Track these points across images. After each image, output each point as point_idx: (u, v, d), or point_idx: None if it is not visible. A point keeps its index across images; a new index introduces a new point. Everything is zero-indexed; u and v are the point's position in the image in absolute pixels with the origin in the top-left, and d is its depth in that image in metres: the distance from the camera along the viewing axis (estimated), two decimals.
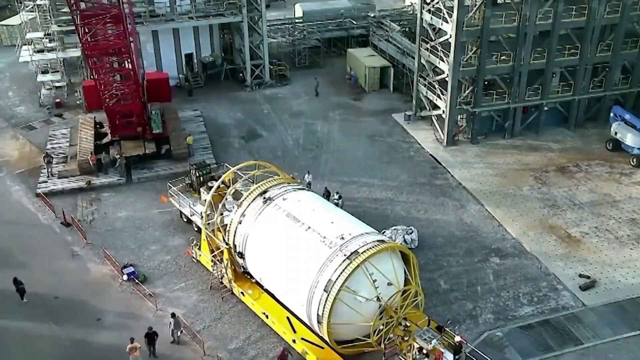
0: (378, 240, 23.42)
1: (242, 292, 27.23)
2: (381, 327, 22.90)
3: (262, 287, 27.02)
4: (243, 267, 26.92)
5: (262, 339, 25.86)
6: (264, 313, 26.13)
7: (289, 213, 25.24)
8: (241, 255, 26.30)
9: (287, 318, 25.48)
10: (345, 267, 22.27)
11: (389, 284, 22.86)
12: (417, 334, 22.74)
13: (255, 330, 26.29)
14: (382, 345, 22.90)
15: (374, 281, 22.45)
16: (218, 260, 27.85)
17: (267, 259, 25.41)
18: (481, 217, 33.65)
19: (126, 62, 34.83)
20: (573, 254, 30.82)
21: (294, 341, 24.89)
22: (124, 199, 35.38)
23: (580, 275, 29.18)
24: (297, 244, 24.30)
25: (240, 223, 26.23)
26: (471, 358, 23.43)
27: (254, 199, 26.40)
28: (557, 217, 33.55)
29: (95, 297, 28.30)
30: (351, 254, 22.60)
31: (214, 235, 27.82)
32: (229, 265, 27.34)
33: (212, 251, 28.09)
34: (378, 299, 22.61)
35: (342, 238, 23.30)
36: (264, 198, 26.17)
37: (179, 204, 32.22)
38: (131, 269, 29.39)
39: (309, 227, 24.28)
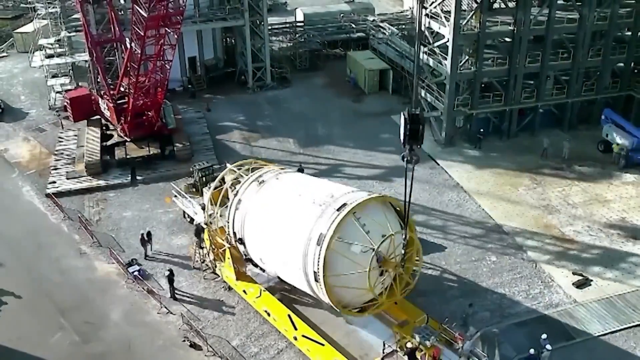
0: (368, 194, 23.74)
1: (244, 291, 27.85)
2: (379, 277, 22.58)
3: (263, 270, 27.52)
4: (245, 254, 27.22)
5: (263, 336, 26.42)
6: (266, 311, 26.68)
7: (282, 187, 25.77)
8: (241, 241, 26.59)
9: (289, 316, 25.91)
10: (335, 218, 22.26)
11: (383, 235, 22.35)
12: (416, 331, 23.09)
13: (257, 328, 26.84)
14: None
15: (367, 232, 22.17)
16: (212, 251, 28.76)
17: (264, 233, 25.56)
18: (478, 216, 34.35)
19: (170, 37, 35.03)
20: (566, 252, 31.54)
21: (295, 338, 25.31)
22: (129, 199, 36.20)
23: (574, 273, 29.90)
24: (290, 211, 24.56)
25: (237, 209, 26.58)
26: (469, 355, 24.04)
27: (249, 184, 26.82)
28: (551, 217, 34.29)
29: (102, 294, 29.08)
30: (341, 206, 22.66)
31: (216, 234, 28.52)
32: (231, 263, 28.03)
33: (213, 249, 28.89)
34: (372, 247, 22.08)
35: (332, 196, 23.57)
36: (259, 182, 26.70)
37: (182, 204, 33.00)
38: (136, 268, 30.17)
39: (300, 195, 24.70)
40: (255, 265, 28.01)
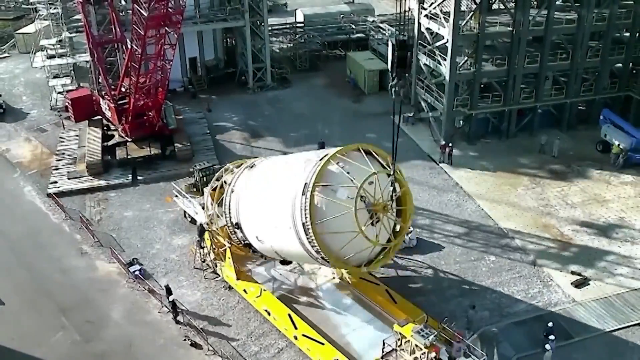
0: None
1: (244, 290, 28.04)
2: (371, 224, 22.00)
3: (264, 256, 27.63)
4: (243, 240, 27.12)
5: (264, 335, 26.57)
6: (266, 310, 26.84)
7: (271, 162, 26.04)
8: (238, 226, 26.61)
9: (289, 315, 26.06)
10: (317, 167, 22.24)
11: (366, 174, 22.07)
12: (415, 330, 22.98)
13: (258, 327, 26.99)
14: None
15: (349, 173, 22.07)
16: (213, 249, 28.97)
17: (255, 206, 25.54)
18: (477, 216, 34.52)
19: (170, 37, 35.22)
20: (565, 251, 31.70)
21: (295, 338, 25.43)
22: (130, 199, 36.38)
23: (572, 273, 30.07)
24: (277, 177, 24.71)
25: (232, 196, 26.77)
26: (468, 353, 24.18)
27: (242, 172, 27.08)
28: (550, 216, 34.46)
29: (103, 294, 29.24)
30: (322, 157, 22.70)
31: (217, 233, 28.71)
32: (232, 263, 28.23)
33: (214, 249, 29.08)
34: (355, 186, 21.69)
35: (316, 154, 23.79)
36: (250, 167, 27.02)
37: (182, 203, 33.18)
38: (137, 267, 30.31)
39: (287, 162, 24.90)
40: (255, 252, 27.71)
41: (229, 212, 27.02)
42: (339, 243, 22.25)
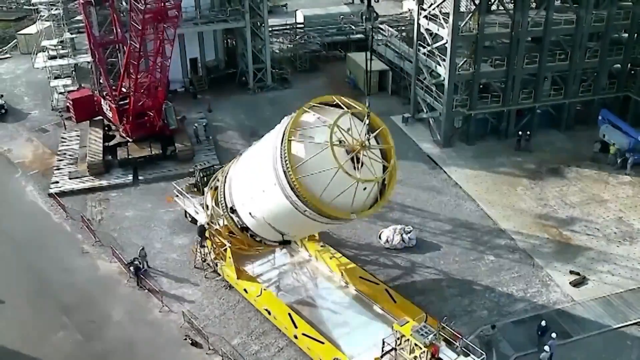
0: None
1: (244, 289, 28.18)
2: (347, 159, 21.48)
3: (259, 241, 27.52)
4: (239, 224, 26.95)
5: (264, 334, 26.71)
6: (266, 309, 26.99)
7: (260, 140, 25.99)
8: (233, 209, 26.60)
9: (289, 314, 26.21)
10: (292, 117, 22.39)
11: (339, 114, 21.87)
12: (414, 329, 23.08)
13: (258, 326, 27.11)
14: None
15: (321, 117, 22.08)
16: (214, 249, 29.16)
17: (245, 179, 25.64)
18: (476, 216, 34.69)
19: (168, 32, 35.30)
20: (564, 251, 31.86)
21: (295, 337, 25.57)
22: (131, 199, 36.55)
23: (571, 272, 30.21)
24: (261, 145, 24.74)
25: (225, 183, 26.83)
26: (467, 352, 24.32)
27: (233, 160, 27.34)
28: (549, 216, 34.61)
29: (104, 293, 29.39)
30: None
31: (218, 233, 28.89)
32: (232, 262, 28.40)
33: (214, 248, 29.21)
34: (329, 124, 21.39)
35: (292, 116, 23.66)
36: (240, 154, 27.23)
37: (183, 203, 33.35)
38: (138, 266, 30.38)
39: (268, 133, 24.70)
40: (253, 237, 27.43)
41: (224, 200, 27.07)
42: (321, 184, 21.66)
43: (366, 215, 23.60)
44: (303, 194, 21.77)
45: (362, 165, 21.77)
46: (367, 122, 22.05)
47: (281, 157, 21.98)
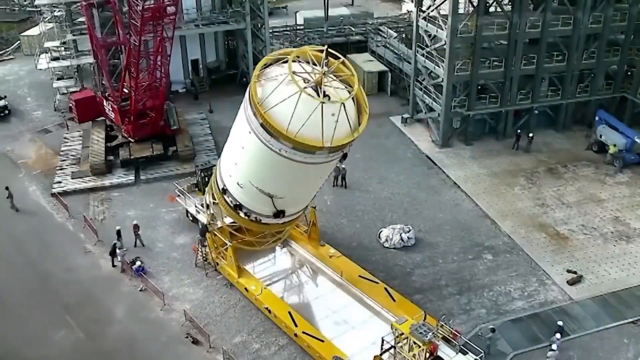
0: None
1: (245, 288, 28.44)
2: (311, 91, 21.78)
3: (257, 220, 27.35)
4: (232, 202, 26.77)
5: (265, 333, 26.91)
6: (267, 308, 27.23)
7: None
8: (224, 190, 26.69)
9: (289, 313, 26.42)
10: (257, 69, 22.84)
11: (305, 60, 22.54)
12: (413, 327, 23.21)
13: (259, 325, 27.31)
14: None
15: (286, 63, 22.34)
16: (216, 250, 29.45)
17: (228, 150, 26.05)
18: (475, 216, 34.96)
19: (167, 31, 35.59)
20: (561, 250, 32.13)
21: (295, 335, 25.78)
22: (132, 199, 36.84)
23: (568, 271, 30.49)
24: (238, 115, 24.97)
25: (217, 168, 27.23)
26: (465, 350, 24.54)
27: None
28: (546, 216, 34.91)
29: (106, 292, 29.63)
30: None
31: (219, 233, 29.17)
32: (233, 261, 28.67)
33: (215, 247, 29.51)
34: (289, 62, 21.82)
35: None
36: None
37: (184, 203, 33.63)
38: (139, 265, 30.62)
39: None
40: (247, 215, 26.93)
41: (217, 185, 27.25)
42: (287, 112, 21.80)
43: (340, 144, 22.97)
44: (272, 126, 21.89)
45: (325, 94, 22.07)
46: (324, 56, 22.42)
47: (249, 101, 22.54)
